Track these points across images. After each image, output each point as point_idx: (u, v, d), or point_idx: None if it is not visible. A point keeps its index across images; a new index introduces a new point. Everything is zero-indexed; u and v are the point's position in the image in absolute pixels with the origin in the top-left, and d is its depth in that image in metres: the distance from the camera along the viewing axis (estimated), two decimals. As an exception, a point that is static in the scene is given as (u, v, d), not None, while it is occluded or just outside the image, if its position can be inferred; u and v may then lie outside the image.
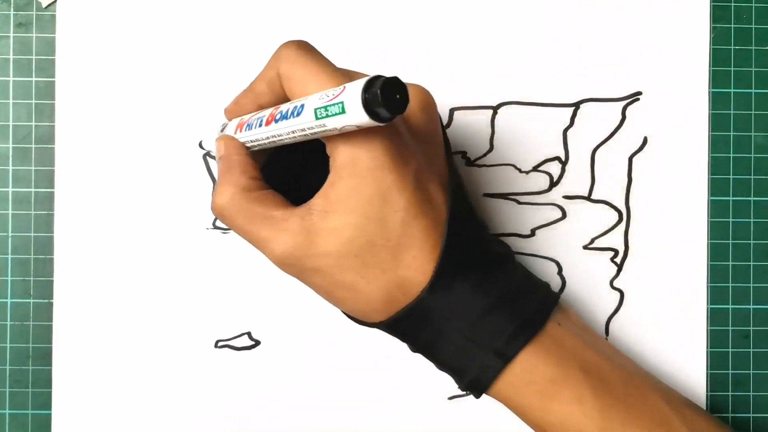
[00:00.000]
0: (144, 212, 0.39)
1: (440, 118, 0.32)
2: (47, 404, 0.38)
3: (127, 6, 0.39)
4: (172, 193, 0.39)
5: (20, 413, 0.39)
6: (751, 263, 0.40)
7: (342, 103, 0.25)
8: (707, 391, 0.39)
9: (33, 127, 0.39)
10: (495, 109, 0.39)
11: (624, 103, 0.39)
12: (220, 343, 0.39)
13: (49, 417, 0.38)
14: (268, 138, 0.30)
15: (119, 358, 0.39)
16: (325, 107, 0.26)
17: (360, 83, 0.25)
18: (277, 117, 0.29)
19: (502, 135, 0.39)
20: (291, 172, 0.33)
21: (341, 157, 0.28)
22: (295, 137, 0.28)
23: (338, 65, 0.39)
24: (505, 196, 0.39)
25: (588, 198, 0.39)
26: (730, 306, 0.40)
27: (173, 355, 0.39)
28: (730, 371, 0.40)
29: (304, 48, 0.29)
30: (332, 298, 0.31)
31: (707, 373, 0.39)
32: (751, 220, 0.40)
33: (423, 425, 0.39)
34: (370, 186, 0.28)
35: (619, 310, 0.39)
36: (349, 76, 0.29)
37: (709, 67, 0.40)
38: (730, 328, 0.40)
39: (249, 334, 0.39)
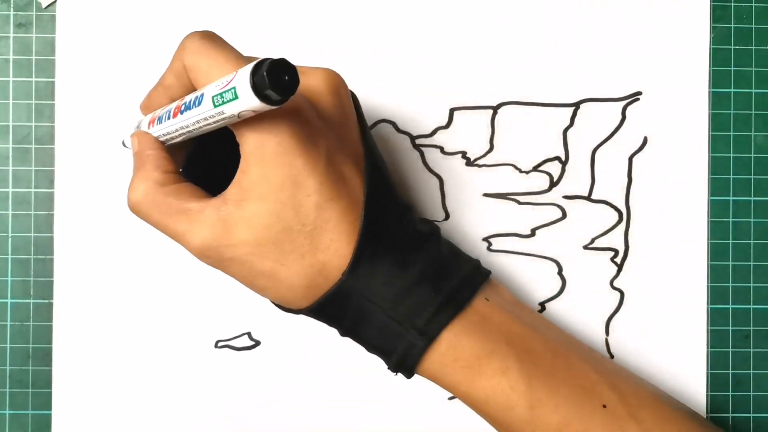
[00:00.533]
0: (144, 212, 0.39)
1: (354, 99, 0.32)
2: (47, 404, 0.38)
3: (127, 6, 0.39)
4: (172, 193, 0.39)
5: (20, 413, 0.39)
6: (751, 263, 0.40)
7: (234, 88, 0.25)
8: (707, 391, 0.39)
9: (33, 127, 0.39)
10: (495, 109, 0.39)
11: (624, 103, 0.39)
12: (220, 344, 0.39)
13: (49, 417, 0.38)
14: (177, 130, 0.30)
15: (119, 359, 0.39)
16: (221, 94, 0.26)
17: (248, 68, 0.25)
18: (182, 108, 0.29)
19: (502, 135, 0.39)
20: (214, 165, 0.33)
21: (249, 144, 0.28)
22: (202, 127, 0.28)
23: (338, 65, 0.39)
24: (505, 196, 0.39)
25: (588, 198, 0.39)
26: (731, 306, 0.40)
27: (173, 355, 0.39)
28: (730, 371, 0.40)
29: (208, 37, 0.29)
30: (254, 287, 0.31)
31: (707, 373, 0.39)
32: (751, 220, 0.40)
33: (423, 425, 0.39)
34: (280, 171, 0.28)
35: (619, 310, 0.39)
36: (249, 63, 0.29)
37: (709, 67, 0.40)
38: (730, 327, 0.40)
39: (249, 334, 0.39)
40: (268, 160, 0.28)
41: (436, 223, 0.36)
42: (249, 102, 0.25)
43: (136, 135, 0.32)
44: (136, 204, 0.30)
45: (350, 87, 0.39)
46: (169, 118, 0.30)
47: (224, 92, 0.26)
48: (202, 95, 0.27)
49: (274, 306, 0.33)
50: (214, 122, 0.28)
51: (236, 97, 0.25)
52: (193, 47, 0.29)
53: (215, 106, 0.27)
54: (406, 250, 0.31)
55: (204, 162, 0.33)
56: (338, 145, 0.30)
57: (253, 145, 0.28)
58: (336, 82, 0.31)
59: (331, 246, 0.29)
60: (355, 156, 0.31)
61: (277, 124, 0.28)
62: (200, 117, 0.28)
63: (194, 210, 0.29)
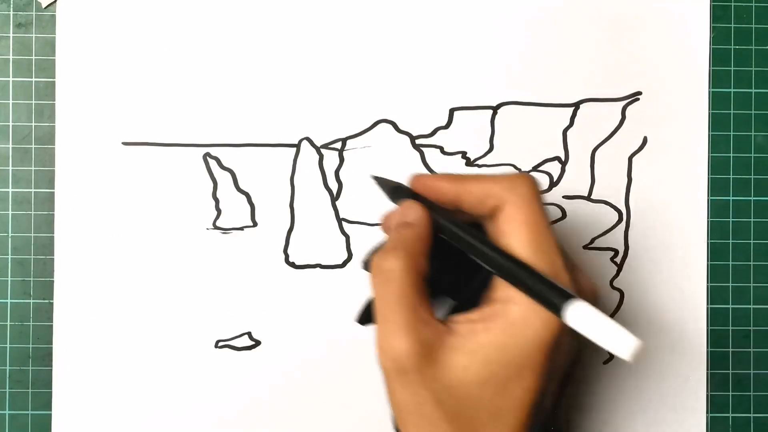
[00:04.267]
0: (144, 212, 0.39)
1: None
2: (47, 405, 0.38)
3: (127, 6, 0.39)
4: (172, 193, 0.39)
5: (20, 414, 0.39)
6: (751, 263, 0.40)
7: (561, 314, 0.27)
8: (707, 390, 0.39)
9: (33, 127, 0.39)
10: (495, 109, 0.39)
11: (624, 103, 0.39)
12: (220, 343, 0.39)
13: (49, 417, 0.38)
14: (462, 242, 0.29)
15: (119, 359, 0.39)
16: (547, 300, 0.27)
17: (583, 309, 0.26)
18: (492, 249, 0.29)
19: (502, 135, 0.39)
20: (446, 268, 0.31)
21: (515, 313, 0.27)
22: (483, 263, 0.28)
23: (338, 65, 0.39)
24: (505, 196, 0.39)
25: (588, 198, 0.40)
26: (730, 306, 0.40)
27: (173, 355, 0.39)
28: (730, 371, 0.40)
29: (538, 193, 0.29)
30: (403, 419, 0.29)
31: (707, 373, 0.39)
32: (751, 220, 0.40)
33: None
34: (518, 354, 0.27)
35: (619, 310, 0.39)
36: (559, 251, 0.29)
37: (709, 66, 0.40)
38: (730, 327, 0.40)
39: (249, 334, 0.39)
40: (517, 338, 0.27)
41: None
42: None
43: (417, 206, 0.30)
44: (386, 269, 0.29)
45: (350, 87, 0.39)
46: (467, 234, 0.29)
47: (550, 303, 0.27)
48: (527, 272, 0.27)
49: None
50: (508, 280, 0.28)
51: (556, 313, 0.26)
52: (525, 192, 0.29)
53: (532, 295, 0.27)
54: None
55: (439, 262, 0.31)
56: (564, 366, 0.30)
57: (519, 317, 0.27)
58: (597, 302, 0.30)
59: None
60: (562, 369, 0.30)
61: (551, 321, 0.27)
62: (503, 268, 0.28)
63: (421, 318, 0.28)
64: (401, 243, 0.29)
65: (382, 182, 0.33)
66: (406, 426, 0.29)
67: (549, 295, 0.27)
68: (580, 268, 0.31)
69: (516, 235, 0.28)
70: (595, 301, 0.30)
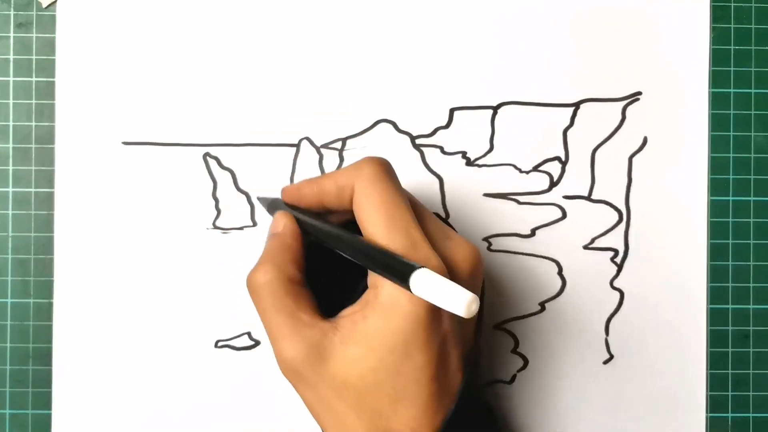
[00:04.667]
0: (144, 212, 0.39)
1: (483, 282, 0.32)
2: (47, 404, 0.38)
3: (128, 6, 0.39)
4: (172, 193, 0.39)
5: (20, 413, 0.39)
6: (751, 263, 0.40)
7: (409, 286, 0.26)
8: (707, 390, 0.39)
9: (33, 127, 0.39)
10: (495, 108, 0.39)
11: (624, 103, 0.39)
12: (220, 343, 0.39)
13: (49, 417, 0.38)
14: (326, 236, 0.30)
15: (119, 358, 0.39)
16: (395, 272, 0.27)
17: (430, 277, 0.26)
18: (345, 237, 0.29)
19: (502, 135, 0.39)
20: (330, 268, 0.32)
21: (384, 296, 0.28)
22: (348, 255, 0.29)
23: (338, 64, 0.39)
24: (505, 195, 0.39)
25: (588, 198, 0.40)
26: (730, 306, 0.40)
27: (173, 355, 0.39)
28: (729, 371, 0.40)
29: (385, 171, 0.30)
30: (318, 417, 0.30)
31: (707, 373, 0.39)
32: (751, 220, 0.40)
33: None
34: (399, 335, 0.28)
35: (619, 310, 0.39)
36: (415, 221, 0.29)
37: (709, 67, 0.40)
38: (729, 328, 0.40)
39: (249, 334, 0.39)
40: (394, 320, 0.28)
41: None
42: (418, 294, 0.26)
43: (284, 216, 0.32)
44: (257, 285, 0.30)
45: (350, 87, 0.39)
46: (327, 223, 0.30)
47: (396, 275, 0.27)
48: (377, 252, 0.28)
49: None
50: (368, 266, 0.28)
51: (405, 287, 0.26)
52: (370, 175, 0.29)
53: (379, 272, 0.28)
54: None
55: (321, 261, 0.32)
56: (457, 328, 0.30)
57: (388, 300, 0.28)
58: (477, 263, 0.31)
59: (411, 422, 0.29)
60: (465, 345, 0.31)
61: (418, 299, 0.27)
62: (363, 257, 0.28)
63: (303, 322, 0.29)
64: (268, 255, 0.30)
65: (262, 201, 0.35)
66: (323, 424, 0.30)
67: (395, 270, 0.27)
68: (454, 233, 0.31)
69: (368, 217, 0.29)
70: (474, 265, 0.30)
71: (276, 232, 0.31)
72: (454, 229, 0.32)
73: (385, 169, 0.30)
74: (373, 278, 0.29)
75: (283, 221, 0.32)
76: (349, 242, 0.29)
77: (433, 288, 0.25)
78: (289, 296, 0.30)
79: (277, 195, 0.34)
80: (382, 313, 0.28)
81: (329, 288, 0.30)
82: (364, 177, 0.29)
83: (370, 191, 0.29)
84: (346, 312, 0.29)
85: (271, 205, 0.34)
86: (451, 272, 0.30)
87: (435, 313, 0.28)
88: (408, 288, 0.26)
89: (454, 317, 0.29)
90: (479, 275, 0.31)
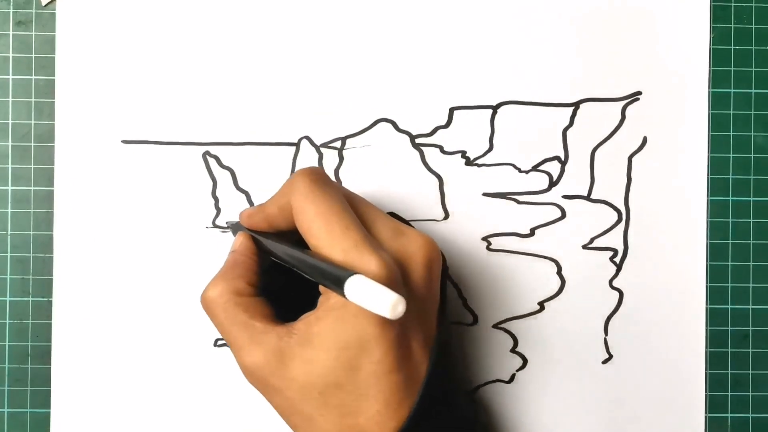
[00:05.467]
0: (143, 211, 0.39)
1: (443, 271, 0.32)
2: (46, 403, 0.38)
3: (127, 4, 0.39)
4: (171, 191, 0.39)
5: (19, 412, 0.39)
6: (751, 263, 0.40)
7: (344, 294, 0.27)
8: (706, 390, 0.39)
9: (32, 125, 0.39)
10: (495, 108, 0.39)
11: (624, 102, 0.39)
12: (219, 342, 0.39)
13: (48, 416, 0.38)
14: (283, 261, 0.31)
15: (118, 357, 0.39)
16: (332, 279, 0.28)
17: (364, 284, 0.26)
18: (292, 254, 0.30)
19: (501, 134, 0.39)
20: (289, 281, 0.33)
21: (334, 298, 0.29)
22: (299, 270, 0.30)
23: (338, 64, 0.39)
24: (504, 195, 0.39)
25: (587, 198, 0.40)
26: (730, 306, 0.40)
27: (173, 353, 0.39)
28: (729, 371, 0.40)
29: (318, 181, 0.30)
30: (287, 421, 0.31)
31: (706, 373, 0.39)
32: (751, 220, 0.40)
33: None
34: (352, 333, 0.28)
35: (618, 310, 0.39)
36: (354, 222, 0.29)
37: (709, 67, 0.40)
38: (729, 328, 0.40)
39: (248, 332, 0.39)
40: (345, 319, 0.28)
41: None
42: (357, 302, 0.26)
43: (241, 236, 0.33)
44: (207, 300, 0.31)
45: (350, 86, 0.39)
46: (280, 241, 0.31)
47: (334, 284, 0.27)
48: (318, 267, 0.28)
49: None
50: (314, 278, 0.29)
51: (343, 295, 0.26)
52: (303, 189, 0.30)
53: (320, 281, 0.28)
54: None
55: (281, 272, 0.33)
56: (415, 318, 0.30)
57: (336, 301, 0.28)
58: (432, 254, 0.31)
59: (376, 417, 0.29)
60: (427, 332, 0.31)
61: None
62: (308, 269, 0.29)
63: (258, 329, 0.30)
64: (219, 273, 0.32)
65: (229, 224, 0.37)
66: (294, 427, 0.31)
67: (333, 279, 0.27)
68: (407, 228, 0.31)
69: (308, 230, 0.30)
70: (428, 256, 0.31)
71: (232, 251, 0.33)
72: (410, 224, 0.32)
73: (317, 179, 0.30)
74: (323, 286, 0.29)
75: (240, 240, 0.33)
76: (293, 257, 0.30)
77: (364, 293, 0.26)
78: (239, 307, 0.30)
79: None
80: (334, 314, 0.28)
81: (297, 303, 0.31)
82: (297, 192, 0.30)
83: (304, 205, 0.30)
84: (302, 317, 0.30)
85: (234, 228, 0.35)
86: (405, 267, 0.30)
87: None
88: (344, 296, 0.26)
89: (411, 307, 0.30)
90: (436, 266, 0.31)
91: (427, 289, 0.31)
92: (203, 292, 0.31)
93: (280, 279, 0.33)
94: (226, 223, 0.38)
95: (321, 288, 0.30)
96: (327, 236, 0.29)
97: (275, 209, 0.31)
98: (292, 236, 0.31)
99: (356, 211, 0.31)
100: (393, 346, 0.29)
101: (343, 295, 0.26)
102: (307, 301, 0.31)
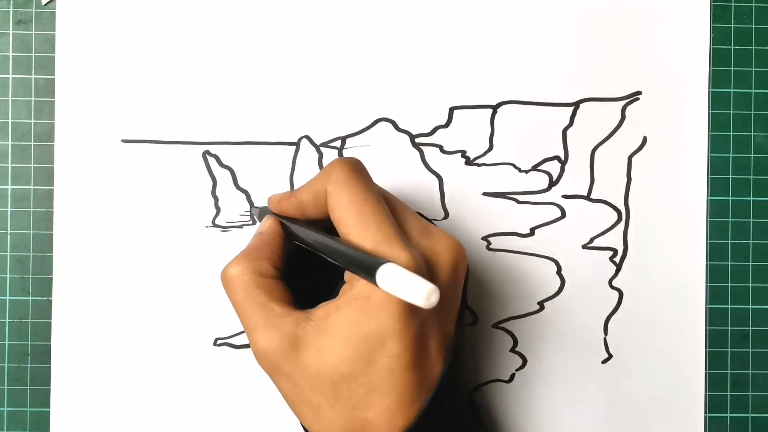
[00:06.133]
0: (143, 210, 0.39)
1: (468, 274, 0.32)
2: (46, 402, 0.38)
3: (127, 4, 0.39)
4: (171, 191, 0.39)
5: (19, 411, 0.39)
6: (750, 263, 0.40)
7: (375, 281, 0.27)
8: (706, 390, 0.39)
9: (32, 124, 0.39)
10: (495, 108, 0.39)
11: (623, 102, 0.39)
12: (219, 341, 0.39)
13: (47, 415, 0.38)
14: (312, 247, 0.31)
15: (118, 356, 0.39)
16: (362, 269, 0.27)
17: (401, 274, 0.26)
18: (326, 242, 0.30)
19: (501, 134, 0.39)
20: (313, 263, 0.33)
21: (357, 288, 0.28)
22: (328, 257, 0.30)
23: (338, 64, 0.39)
24: (504, 195, 0.39)
25: (587, 197, 0.39)
26: (729, 306, 0.40)
27: (172, 352, 0.39)
28: (728, 371, 0.40)
29: (355, 170, 0.30)
30: (294, 408, 0.31)
31: (706, 373, 0.39)
32: (751, 220, 0.40)
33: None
34: (372, 325, 0.28)
35: (617, 310, 0.39)
36: (387, 216, 0.29)
37: (709, 66, 0.40)
38: (728, 328, 0.40)
39: (248, 332, 0.39)
40: (367, 310, 0.28)
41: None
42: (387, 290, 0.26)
43: (269, 219, 0.33)
44: (228, 277, 0.31)
45: (350, 86, 0.39)
46: (309, 227, 0.31)
47: (363, 272, 0.27)
48: (354, 256, 0.28)
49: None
50: (342, 264, 0.29)
51: (373, 282, 0.26)
52: (340, 177, 0.30)
53: (353, 271, 0.28)
54: None
55: (304, 259, 0.33)
56: (436, 317, 0.30)
57: (361, 291, 0.28)
58: (459, 257, 0.31)
59: (385, 413, 0.29)
60: (445, 333, 0.31)
61: None
62: (337, 256, 0.29)
63: (275, 312, 0.29)
64: (244, 252, 0.31)
65: (253, 210, 0.37)
66: (299, 416, 0.30)
67: (364, 266, 0.27)
68: (435, 229, 0.31)
69: (340, 218, 0.29)
70: (455, 258, 0.31)
71: (260, 231, 0.32)
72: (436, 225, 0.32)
73: (354, 169, 0.30)
74: (349, 274, 0.29)
75: (268, 222, 0.32)
76: (323, 243, 0.30)
77: (397, 281, 0.25)
78: (260, 288, 0.30)
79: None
80: (356, 304, 0.28)
81: (316, 294, 0.31)
82: (333, 180, 0.30)
83: (340, 193, 0.29)
84: (321, 305, 0.30)
85: (260, 214, 0.35)
86: (431, 266, 0.30)
87: (412, 305, 0.28)
88: (375, 282, 0.26)
89: (434, 308, 0.29)
90: (461, 268, 0.31)
91: (450, 291, 0.31)
92: (224, 269, 0.31)
93: (301, 267, 0.33)
94: (251, 209, 0.38)
95: (346, 277, 0.29)
96: (359, 226, 0.29)
97: (309, 195, 0.31)
98: (321, 225, 0.31)
99: (388, 206, 0.30)
100: (412, 343, 0.28)
101: (374, 283, 0.26)
102: (326, 292, 0.30)
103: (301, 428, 0.32)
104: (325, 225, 0.31)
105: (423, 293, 0.25)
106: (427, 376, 0.29)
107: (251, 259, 0.31)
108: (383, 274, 0.26)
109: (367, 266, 0.27)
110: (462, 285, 0.32)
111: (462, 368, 0.32)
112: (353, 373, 0.28)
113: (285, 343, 0.29)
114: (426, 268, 0.29)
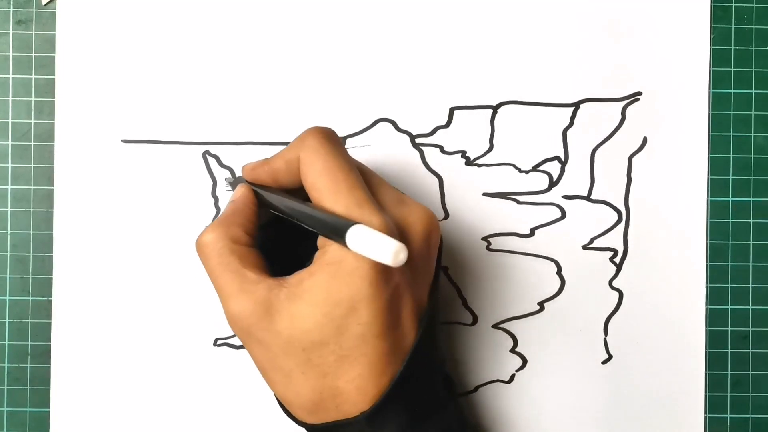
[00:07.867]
0: (144, 210, 0.39)
1: (441, 246, 0.32)
2: (45, 402, 0.38)
3: (127, 4, 0.39)
4: (171, 191, 0.39)
5: (19, 411, 0.39)
6: (750, 264, 0.40)
7: (345, 242, 0.27)
8: (706, 391, 0.39)
9: (32, 124, 0.39)
10: (495, 108, 0.39)
11: (624, 103, 0.39)
12: (219, 341, 0.39)
13: (47, 415, 0.38)
14: (284, 214, 0.31)
15: (118, 356, 0.39)
16: (336, 231, 0.27)
17: (374, 237, 0.26)
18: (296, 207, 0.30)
19: (501, 134, 0.39)
20: (287, 236, 0.33)
21: (330, 254, 0.28)
22: (300, 221, 0.30)
23: (338, 63, 0.39)
24: (504, 195, 0.39)
25: (587, 198, 0.39)
26: (729, 306, 0.40)
27: (172, 353, 0.39)
28: (728, 372, 0.40)
29: (328, 138, 0.30)
30: (266, 376, 0.31)
31: (706, 374, 0.39)
32: (751, 220, 0.40)
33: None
34: (344, 291, 0.28)
35: (618, 310, 0.39)
36: (360, 183, 0.29)
37: (709, 67, 0.40)
38: (728, 328, 0.40)
39: (248, 332, 0.39)
40: (339, 276, 0.28)
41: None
42: (359, 251, 0.26)
43: (242, 187, 0.33)
44: (201, 244, 0.31)
45: (350, 86, 0.39)
46: (282, 194, 0.31)
47: (336, 233, 0.27)
48: (325, 220, 0.28)
49: (280, 408, 0.32)
50: (314, 228, 0.29)
51: (344, 243, 0.26)
52: (313, 144, 0.30)
53: (324, 234, 0.28)
54: (428, 409, 0.31)
55: (278, 230, 0.33)
56: (409, 286, 0.30)
57: (334, 257, 0.28)
58: (431, 226, 0.31)
59: (357, 380, 0.29)
60: (418, 302, 0.30)
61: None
62: (309, 220, 0.29)
63: (248, 278, 0.29)
64: (217, 219, 0.31)
65: (230, 181, 0.37)
66: (270, 383, 0.30)
67: (334, 228, 0.27)
68: (409, 199, 0.31)
69: (313, 184, 0.29)
70: (427, 227, 0.31)
71: (232, 199, 0.32)
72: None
73: (327, 136, 0.30)
74: (322, 240, 0.29)
75: (241, 190, 0.32)
76: (295, 209, 0.30)
77: (366, 241, 0.26)
78: (234, 255, 0.30)
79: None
80: (328, 269, 0.28)
81: (291, 264, 0.31)
82: (307, 147, 0.30)
83: (313, 159, 0.29)
84: (296, 273, 0.30)
85: (234, 184, 0.35)
86: (404, 235, 0.30)
87: (383, 270, 0.28)
88: (345, 244, 0.26)
89: (405, 275, 0.30)
90: (434, 238, 0.31)
91: (423, 260, 0.31)
92: (198, 237, 0.31)
93: (275, 238, 0.33)
94: (225, 179, 0.38)
95: (319, 243, 0.29)
96: (332, 191, 0.29)
97: (282, 163, 0.31)
98: (294, 193, 0.31)
99: (363, 175, 0.30)
100: (383, 310, 0.28)
101: (344, 244, 0.26)
102: (301, 262, 0.30)
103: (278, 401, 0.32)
104: (300, 195, 0.31)
105: (390, 251, 0.25)
106: (399, 345, 0.29)
107: (224, 225, 0.31)
108: (353, 234, 0.26)
109: (338, 228, 0.27)
110: (435, 257, 0.32)
111: (436, 340, 0.32)
112: (325, 339, 0.28)
113: (258, 309, 0.29)
114: (398, 235, 0.29)
